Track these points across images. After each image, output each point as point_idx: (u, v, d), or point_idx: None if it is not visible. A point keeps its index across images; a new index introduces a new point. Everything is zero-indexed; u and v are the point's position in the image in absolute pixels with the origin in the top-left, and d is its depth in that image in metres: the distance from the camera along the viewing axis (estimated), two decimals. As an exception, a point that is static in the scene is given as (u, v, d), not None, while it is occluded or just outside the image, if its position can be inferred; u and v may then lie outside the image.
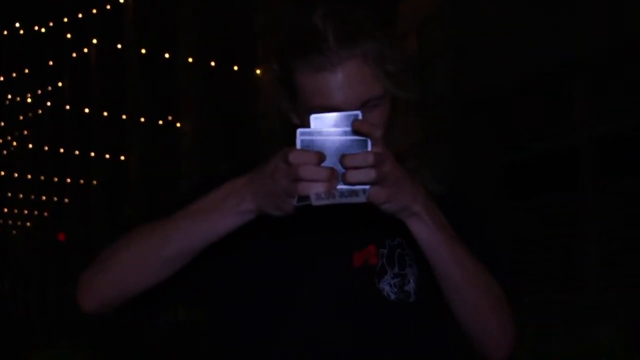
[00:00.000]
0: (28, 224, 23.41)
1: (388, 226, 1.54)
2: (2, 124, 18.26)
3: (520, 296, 1.67)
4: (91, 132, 18.15)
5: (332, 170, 1.27)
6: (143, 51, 13.70)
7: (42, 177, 19.35)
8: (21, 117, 18.72)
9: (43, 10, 15.64)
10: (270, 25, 10.11)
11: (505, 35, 6.82)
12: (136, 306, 1.53)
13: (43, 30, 13.50)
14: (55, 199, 20.52)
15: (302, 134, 1.30)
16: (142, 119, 14.75)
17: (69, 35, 13.92)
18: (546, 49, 6.42)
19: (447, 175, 1.69)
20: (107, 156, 16.66)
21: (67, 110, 17.48)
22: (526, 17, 6.62)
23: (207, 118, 12.95)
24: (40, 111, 18.11)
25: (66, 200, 20.46)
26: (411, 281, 1.57)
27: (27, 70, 16.15)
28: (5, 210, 22.45)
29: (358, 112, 1.32)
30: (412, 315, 1.54)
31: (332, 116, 1.32)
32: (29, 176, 19.53)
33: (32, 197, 20.84)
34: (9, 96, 16.12)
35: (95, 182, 18.49)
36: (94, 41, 15.46)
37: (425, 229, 1.40)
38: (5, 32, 13.29)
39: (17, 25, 13.42)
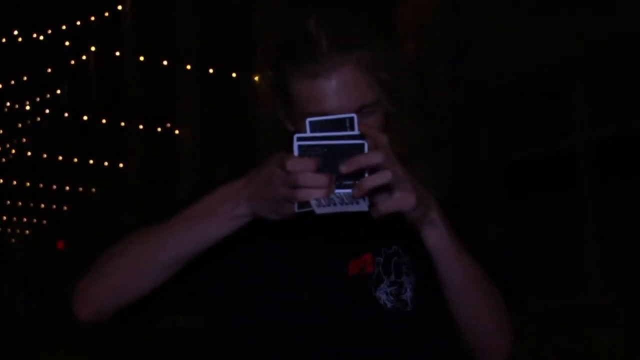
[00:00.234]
0: (27, 231, 23.37)
1: (384, 234, 1.54)
2: (1, 131, 18.25)
3: (519, 298, 1.67)
4: (90, 139, 18.14)
5: (330, 176, 1.28)
6: (141, 58, 13.70)
7: (41, 185, 19.33)
8: (20, 125, 18.70)
9: (41, 18, 15.66)
10: (269, 32, 10.11)
11: (504, 38, 6.83)
12: (133, 312, 1.53)
13: (41, 37, 13.50)
14: (54, 206, 20.50)
15: (299, 139, 1.30)
16: (141, 126, 14.74)
17: (67, 43, 13.93)
18: (545, 51, 6.43)
19: (445, 178, 1.69)
20: (106, 163, 16.65)
21: (66, 117, 17.48)
22: (525, 20, 6.63)
23: (206, 124, 12.95)
24: (39, 119, 18.09)
25: (65, 208, 20.43)
26: (408, 290, 1.57)
27: (25, 78, 16.15)
28: (4, 218, 22.42)
29: (353, 115, 1.33)
30: (408, 324, 1.54)
31: (327, 119, 1.32)
32: (28, 184, 19.51)
33: (31, 204, 20.82)
34: (8, 104, 16.11)
35: (94, 189, 18.47)
36: (93, 48, 15.47)
37: (440, 238, 1.41)
38: (4, 40, 13.28)
39: (16, 33, 13.42)
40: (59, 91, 17.17)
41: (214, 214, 1.39)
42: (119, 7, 14.61)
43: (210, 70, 11.96)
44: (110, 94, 17.33)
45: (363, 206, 1.30)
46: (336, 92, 1.44)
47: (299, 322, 1.53)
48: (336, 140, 1.30)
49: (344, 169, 1.26)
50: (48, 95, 16.80)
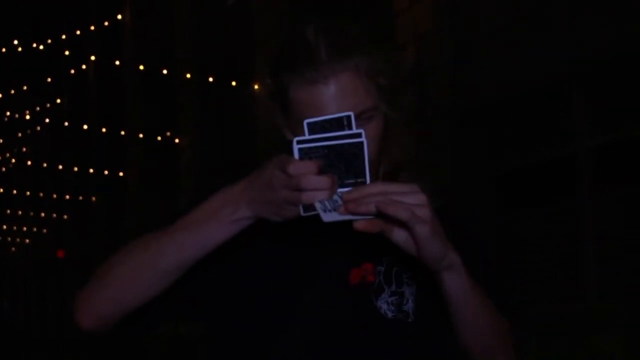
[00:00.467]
0: (27, 240, 23.35)
1: (386, 243, 1.54)
2: (1, 141, 18.24)
3: (517, 312, 1.67)
4: (90, 148, 18.14)
5: (332, 177, 1.28)
6: (141, 67, 13.71)
7: (41, 194, 19.32)
8: (20, 134, 18.70)
9: (41, 28, 15.68)
10: (268, 41, 10.13)
11: (503, 45, 6.84)
12: (133, 319, 1.53)
13: (41, 47, 13.51)
14: (54, 215, 20.48)
15: (299, 142, 1.31)
16: (141, 135, 14.75)
17: (67, 52, 13.93)
18: (544, 58, 6.43)
19: (444, 186, 1.69)
20: (106, 172, 16.64)
21: (66, 126, 17.46)
22: (524, 26, 6.64)
23: (206, 133, 12.95)
24: (39, 128, 18.09)
25: (65, 216, 20.42)
26: (410, 300, 1.57)
27: (25, 88, 16.15)
28: (4, 227, 22.39)
29: (350, 113, 1.33)
30: (410, 335, 1.54)
31: (325, 120, 1.33)
32: (28, 193, 19.50)
33: (31, 213, 20.80)
34: (8, 113, 16.11)
35: (94, 198, 18.47)
36: (93, 58, 15.48)
37: (460, 284, 1.39)
38: (4, 50, 13.30)
39: (16, 42, 13.43)
40: (59, 100, 17.16)
41: (215, 218, 1.39)
42: (119, 17, 14.64)
43: (210, 79, 11.97)
44: (110, 103, 17.34)
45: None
46: (335, 99, 1.44)
47: (300, 324, 1.53)
48: (335, 140, 1.30)
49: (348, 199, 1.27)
50: (48, 105, 16.79)
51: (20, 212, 20.99)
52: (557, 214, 6.62)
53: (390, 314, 1.55)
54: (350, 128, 1.32)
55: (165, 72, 12.94)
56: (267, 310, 1.56)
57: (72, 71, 15.98)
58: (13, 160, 19.59)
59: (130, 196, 16.02)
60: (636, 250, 5.96)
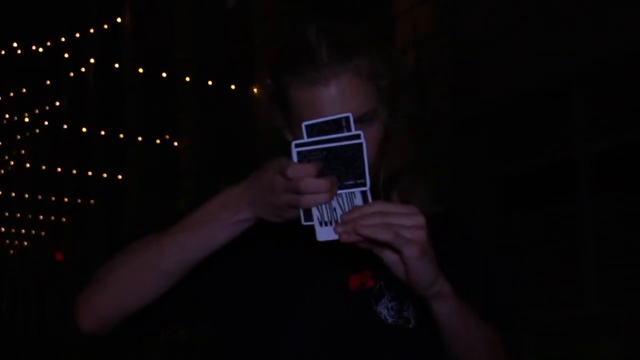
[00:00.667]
0: (25, 243, 23.35)
1: None
2: (0, 143, 18.25)
3: (515, 321, 1.67)
4: (89, 151, 18.15)
5: (331, 179, 1.28)
6: (140, 70, 13.71)
7: (40, 197, 19.32)
8: (19, 137, 18.70)
9: (40, 30, 15.67)
10: (268, 44, 10.13)
11: (503, 50, 6.85)
12: (136, 323, 1.52)
13: (40, 50, 13.51)
14: (53, 218, 20.48)
15: (297, 145, 1.30)
16: (140, 138, 14.75)
17: (66, 55, 13.93)
18: (543, 63, 6.43)
19: (444, 192, 1.68)
20: (105, 175, 16.65)
21: (65, 129, 17.47)
22: (523, 32, 6.65)
23: (205, 136, 12.96)
24: (37, 130, 18.09)
25: (64, 219, 20.42)
26: (411, 306, 1.57)
27: (24, 90, 16.16)
28: (3, 229, 22.39)
29: (349, 114, 1.32)
30: (410, 340, 1.54)
31: (323, 122, 1.32)
32: (27, 195, 19.50)
33: (30, 216, 20.80)
34: (7, 116, 16.11)
35: (92, 201, 18.47)
36: (92, 61, 15.49)
37: (451, 312, 1.40)
38: (3, 52, 13.30)
39: (15, 45, 13.43)
40: (58, 103, 17.17)
41: (216, 220, 1.39)
42: (118, 20, 14.64)
43: (210, 82, 11.97)
44: (109, 106, 17.35)
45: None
46: (335, 100, 1.44)
47: (300, 327, 1.53)
48: (334, 143, 1.30)
49: (345, 217, 1.27)
50: (47, 107, 16.80)
51: (18, 215, 20.99)
52: (557, 217, 6.63)
53: (390, 320, 1.55)
54: (348, 129, 1.32)
55: (164, 75, 12.94)
56: (267, 311, 1.56)
57: (72, 74, 15.99)
58: (12, 163, 19.59)
59: (129, 199, 16.02)
60: (636, 254, 5.95)
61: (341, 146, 1.30)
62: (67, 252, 20.69)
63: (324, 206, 1.30)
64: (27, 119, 16.81)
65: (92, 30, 14.03)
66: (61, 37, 13.41)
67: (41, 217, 20.59)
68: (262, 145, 9.95)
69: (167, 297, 1.48)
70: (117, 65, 14.84)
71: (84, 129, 16.36)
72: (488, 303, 1.60)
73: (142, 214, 15.12)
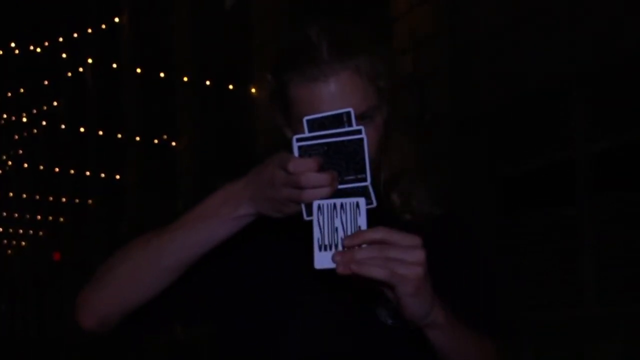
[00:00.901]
0: (23, 243, 23.35)
1: None
2: (-2, 143, 18.26)
3: (513, 332, 1.67)
4: (87, 151, 18.15)
5: (332, 174, 1.28)
6: (138, 70, 13.71)
7: (38, 197, 19.32)
8: (16, 137, 18.71)
9: (38, 30, 15.67)
10: (267, 44, 10.13)
11: (501, 52, 6.85)
12: (137, 321, 1.52)
13: (38, 50, 13.51)
14: (51, 218, 20.48)
15: (298, 140, 1.30)
16: (138, 138, 14.75)
17: (64, 55, 13.93)
18: (543, 65, 6.43)
19: (443, 194, 1.68)
20: (103, 175, 16.65)
21: (63, 129, 17.47)
22: (523, 33, 6.65)
23: (204, 136, 12.96)
24: (35, 130, 18.10)
25: (62, 219, 20.42)
26: None
27: (22, 90, 16.16)
28: (1, 229, 22.39)
29: (350, 110, 1.32)
30: (410, 342, 1.53)
31: (324, 117, 1.32)
32: (24, 195, 19.50)
33: (28, 216, 20.80)
34: (5, 115, 16.11)
35: (90, 201, 18.46)
36: (90, 61, 15.48)
37: (445, 339, 1.40)
38: (1, 52, 13.30)
39: (13, 45, 13.43)
40: (55, 103, 17.18)
41: (216, 216, 1.38)
42: (116, 19, 14.63)
43: (208, 82, 11.97)
44: (107, 106, 17.35)
45: (370, 203, 1.30)
46: (334, 98, 1.44)
47: (300, 326, 1.53)
48: (335, 137, 1.30)
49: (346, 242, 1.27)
50: (45, 107, 16.81)
51: (16, 215, 20.99)
52: (556, 218, 6.63)
53: (390, 321, 1.55)
54: (350, 125, 1.32)
55: (162, 75, 12.94)
56: (267, 308, 1.56)
57: (70, 74, 16.00)
58: (10, 163, 19.60)
59: (128, 199, 16.02)
60: (636, 254, 5.96)
61: (342, 141, 1.30)
62: (65, 252, 20.69)
63: (325, 226, 1.29)
64: (25, 119, 16.81)
65: (90, 30, 14.02)
66: (59, 37, 13.41)
67: (39, 217, 20.59)
68: (261, 145, 9.94)
69: (167, 294, 1.47)
70: (115, 65, 14.84)
71: (82, 129, 16.37)
72: (486, 309, 1.60)
73: (141, 214, 15.12)
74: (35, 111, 16.78)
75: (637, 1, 5.72)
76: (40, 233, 21.84)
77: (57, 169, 17.74)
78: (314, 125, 1.32)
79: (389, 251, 1.25)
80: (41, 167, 18.38)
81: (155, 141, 14.18)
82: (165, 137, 13.96)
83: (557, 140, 6.62)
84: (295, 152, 1.30)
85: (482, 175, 7.13)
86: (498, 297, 1.66)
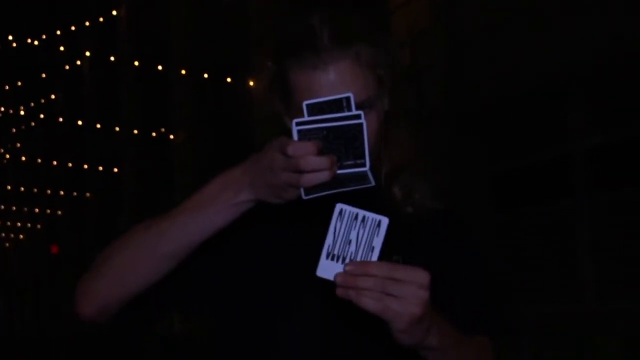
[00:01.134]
0: (21, 236, 23.33)
1: (387, 243, 1.54)
2: (-5, 136, 18.24)
3: (510, 331, 1.68)
4: (84, 144, 18.13)
5: (332, 158, 1.27)
6: (136, 63, 13.69)
7: (35, 190, 19.30)
8: (14, 130, 18.68)
9: (36, 23, 15.65)
10: (264, 38, 10.12)
11: (498, 47, 6.84)
12: (135, 310, 1.52)
13: (36, 43, 13.48)
14: (49, 211, 20.46)
15: (298, 124, 1.30)
16: (136, 131, 14.73)
17: (62, 48, 13.91)
18: (540, 59, 6.43)
19: (442, 189, 1.69)
20: (101, 168, 16.63)
21: (60, 122, 17.44)
22: (519, 29, 6.64)
23: (201, 130, 12.95)
24: (33, 124, 18.06)
25: (59, 212, 20.40)
26: None
27: (20, 83, 16.13)
28: (-1, 222, 22.39)
29: (350, 94, 1.32)
30: None
31: (324, 101, 1.32)
32: (22, 188, 19.47)
33: (25, 209, 20.78)
34: (2, 109, 16.08)
35: (88, 194, 18.45)
36: (87, 54, 15.45)
37: (437, 357, 1.40)
38: (-2, 45, 13.27)
39: (10, 38, 13.40)
40: (53, 96, 17.14)
41: (216, 202, 1.38)
42: (114, 12, 14.60)
43: (205, 76, 11.95)
44: (105, 99, 17.32)
45: (369, 183, 1.29)
46: (334, 85, 1.44)
47: (299, 318, 1.52)
48: (335, 122, 1.29)
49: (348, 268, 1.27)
50: (42, 100, 16.77)
51: (14, 208, 20.96)
52: (555, 214, 6.62)
53: None
54: (349, 110, 1.31)
55: (160, 68, 12.92)
56: (266, 296, 1.55)
57: (67, 67, 15.96)
58: (7, 156, 19.57)
59: (125, 192, 16.01)
60: (634, 251, 5.96)
61: (341, 126, 1.29)
62: (63, 245, 20.67)
63: (340, 235, 1.28)
64: (22, 112, 16.79)
65: (87, 24, 13.99)
66: (57, 30, 13.38)
67: (37, 210, 20.58)
68: (259, 138, 9.94)
69: (165, 282, 1.47)
70: (113, 59, 14.81)
71: (80, 122, 16.33)
72: (485, 308, 1.61)
73: (138, 208, 15.12)
74: (33, 104, 16.74)
75: (635, -3, 5.73)
76: (38, 226, 21.83)
77: (54, 162, 17.73)
78: (313, 109, 1.31)
79: (390, 287, 1.25)
80: (39, 160, 18.36)
81: (153, 134, 14.16)
82: (163, 130, 13.94)
83: (555, 137, 6.62)
84: (295, 136, 1.29)
85: (479, 171, 7.12)
86: (497, 295, 1.67)
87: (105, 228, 17.08)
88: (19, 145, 19.74)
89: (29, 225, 22.07)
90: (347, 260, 1.28)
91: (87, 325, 1.56)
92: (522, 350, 5.56)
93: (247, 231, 1.53)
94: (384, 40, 1.54)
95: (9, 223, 22.39)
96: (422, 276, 1.28)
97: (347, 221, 1.29)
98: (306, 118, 1.30)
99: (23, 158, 19.07)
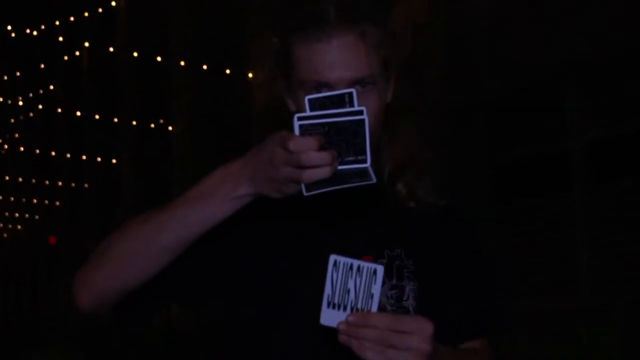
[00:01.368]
0: (19, 227, 23.30)
1: (388, 236, 1.53)
2: (-6, 126, 18.21)
3: (509, 328, 1.68)
4: (83, 135, 18.10)
5: (333, 153, 1.26)
6: (135, 54, 13.66)
7: (34, 180, 19.27)
8: (12, 120, 18.65)
9: (34, 13, 15.61)
10: (264, 28, 10.09)
11: (498, 40, 6.83)
12: (133, 301, 1.51)
13: (35, 33, 13.44)
14: (47, 202, 20.43)
15: (299, 118, 1.29)
16: (134, 122, 14.71)
17: (60, 39, 13.87)
18: (539, 54, 6.43)
19: (441, 181, 1.69)
20: (99, 159, 16.60)
21: (59, 113, 17.41)
22: (519, 23, 6.63)
23: (200, 121, 12.93)
24: (31, 114, 18.03)
25: (58, 203, 20.37)
26: (410, 297, 1.56)
27: (18, 73, 16.09)
28: (-3, 213, 22.36)
29: (352, 90, 1.32)
30: None
31: (326, 96, 1.31)
32: (20, 179, 19.45)
33: (23, 200, 20.75)
34: (0, 99, 16.06)
35: (86, 185, 18.42)
36: (86, 44, 15.42)
37: None
38: (-3, 35, 13.25)
39: (9, 28, 13.36)
40: (52, 87, 17.11)
41: (215, 196, 1.37)
42: (113, 3, 14.56)
43: (204, 67, 11.93)
44: (103, 90, 17.29)
45: (370, 179, 1.29)
46: (336, 59, 1.44)
47: (299, 313, 1.52)
48: (337, 118, 1.28)
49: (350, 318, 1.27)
50: (41, 91, 16.74)
51: (12, 199, 20.94)
52: (553, 207, 6.63)
53: (389, 308, 1.54)
54: (351, 105, 1.31)
55: (159, 59, 12.89)
56: (266, 290, 1.55)
57: (66, 57, 15.92)
58: (5, 147, 19.55)
59: (124, 183, 15.99)
60: (630, 244, 5.97)
61: (343, 121, 1.28)
62: (61, 236, 20.65)
63: (338, 285, 1.29)
64: (21, 103, 16.76)
65: (86, 14, 13.96)
66: (55, 20, 13.34)
67: (35, 201, 20.55)
68: (258, 130, 9.93)
69: (164, 274, 1.47)
70: (111, 49, 14.77)
71: (79, 113, 16.31)
72: (486, 305, 1.62)
73: (137, 198, 15.10)
74: (31, 95, 16.71)
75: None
76: (36, 217, 21.81)
77: (53, 153, 17.69)
78: (315, 104, 1.31)
79: (392, 339, 1.26)
80: (37, 151, 18.32)
81: (152, 125, 14.13)
82: (161, 121, 13.92)
83: (553, 130, 6.62)
84: (296, 131, 1.28)
85: (478, 164, 7.12)
86: (498, 293, 1.66)
87: (104, 219, 17.06)
88: (17, 135, 19.72)
89: (27, 216, 22.04)
90: (348, 308, 1.29)
91: (86, 316, 1.55)
92: (519, 341, 5.56)
93: (247, 224, 1.52)
94: (389, 22, 1.54)
95: (7, 214, 22.37)
96: (425, 328, 1.28)
97: (343, 271, 1.30)
98: (308, 113, 1.30)
99: (21, 149, 19.05)
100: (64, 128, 19.19)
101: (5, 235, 24.43)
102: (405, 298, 1.56)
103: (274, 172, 1.29)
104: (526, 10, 6.60)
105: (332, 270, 1.30)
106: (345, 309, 1.29)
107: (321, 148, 1.26)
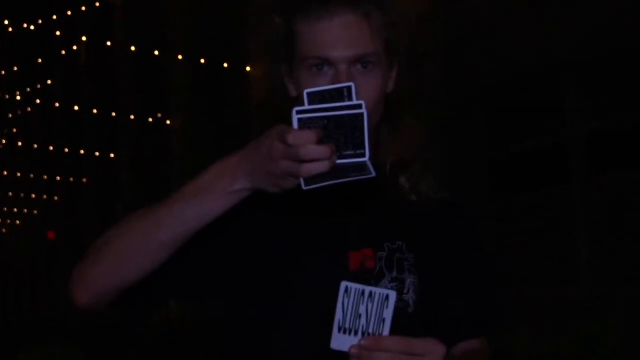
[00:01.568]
0: (18, 222, 23.32)
1: (389, 229, 1.52)
2: (-8, 121, 18.21)
3: (509, 325, 1.68)
4: (81, 129, 18.10)
5: (332, 147, 1.25)
6: (133, 48, 13.65)
7: (32, 175, 19.27)
8: (10, 115, 18.66)
9: (32, 8, 15.58)
10: (262, 22, 10.08)
11: (496, 33, 6.83)
12: (132, 297, 1.50)
13: (32, 27, 13.43)
14: (45, 197, 20.45)
15: (298, 112, 1.28)
16: (132, 117, 14.70)
17: (58, 33, 13.86)
18: (536, 47, 6.43)
19: (440, 173, 1.68)
20: (97, 154, 16.60)
21: (57, 108, 17.41)
22: (517, 16, 6.63)
23: (198, 115, 12.92)
24: (29, 109, 18.03)
25: (56, 198, 20.39)
26: (410, 291, 1.55)
27: (16, 68, 16.09)
28: (-5, 208, 22.38)
29: (351, 84, 1.31)
30: (408, 326, 1.52)
31: (326, 90, 1.31)
32: (19, 174, 19.46)
33: (22, 195, 20.76)
34: (-1, 94, 16.08)
35: (85, 180, 18.43)
36: (84, 39, 15.41)
37: None
38: (-6, 30, 13.24)
39: (6, 22, 13.35)
40: (49, 81, 17.11)
41: (213, 190, 1.36)
42: (111, -3, 14.57)
43: (202, 61, 11.92)
44: (101, 84, 17.28)
45: (369, 174, 1.28)
46: (339, 36, 1.43)
47: (299, 309, 1.51)
48: (335, 112, 1.27)
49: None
50: (39, 86, 16.75)
51: (11, 194, 20.95)
52: (552, 199, 6.64)
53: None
54: (350, 99, 1.30)
55: (157, 53, 12.88)
56: (264, 284, 1.54)
57: (63, 52, 15.91)
58: (4, 141, 19.56)
59: (122, 177, 15.99)
60: (629, 235, 5.98)
61: (342, 115, 1.27)
62: (59, 231, 20.67)
63: (349, 310, 1.29)
64: (19, 98, 16.76)
65: (84, 8, 13.94)
66: (53, 14, 13.33)
67: (34, 195, 20.56)
68: (256, 124, 9.93)
69: (163, 269, 1.45)
70: (109, 44, 14.76)
71: (77, 108, 16.31)
72: (484, 306, 1.61)
73: (134, 193, 15.10)
74: (29, 89, 16.71)
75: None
76: (35, 212, 21.82)
77: (51, 148, 17.70)
78: (314, 98, 1.30)
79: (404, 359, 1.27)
80: (35, 146, 18.34)
81: (150, 120, 14.13)
82: (159, 115, 13.92)
83: (551, 122, 6.62)
84: (295, 124, 1.26)
85: (476, 157, 7.13)
86: (498, 290, 1.66)
87: (102, 214, 17.07)
88: (15, 130, 19.72)
89: (25, 211, 22.06)
90: (360, 333, 1.29)
91: (84, 311, 1.54)
92: (518, 333, 5.56)
93: (245, 218, 1.51)
94: (394, 11, 1.52)
95: (5, 209, 22.39)
96: (437, 350, 1.29)
97: (355, 298, 1.30)
98: (307, 107, 1.29)
99: (19, 143, 19.05)
100: (62, 123, 19.19)
101: (4, 230, 24.46)
102: (405, 291, 1.55)
103: (273, 166, 1.28)
104: (524, 4, 6.60)
105: (344, 296, 1.30)
106: (356, 333, 1.29)
107: (320, 142, 1.24)
